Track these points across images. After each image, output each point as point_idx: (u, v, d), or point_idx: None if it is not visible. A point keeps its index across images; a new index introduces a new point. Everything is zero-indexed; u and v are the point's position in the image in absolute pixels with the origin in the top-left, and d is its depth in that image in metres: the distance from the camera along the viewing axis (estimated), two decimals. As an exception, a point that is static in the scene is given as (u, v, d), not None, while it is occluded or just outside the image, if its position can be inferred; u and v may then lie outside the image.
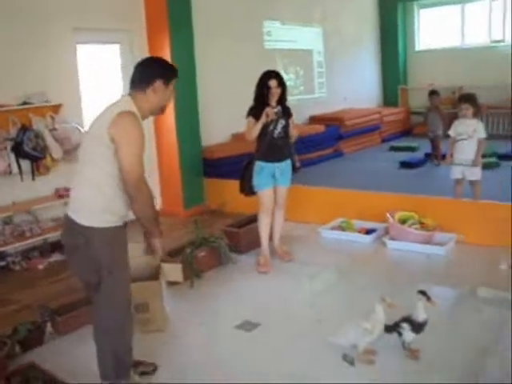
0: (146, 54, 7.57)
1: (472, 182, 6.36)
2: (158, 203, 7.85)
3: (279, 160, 5.33)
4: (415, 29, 14.04)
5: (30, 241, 6.07)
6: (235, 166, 7.73)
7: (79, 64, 6.96)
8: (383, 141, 12.32)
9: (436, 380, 3.42)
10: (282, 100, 5.28)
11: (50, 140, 6.15)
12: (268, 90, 5.18)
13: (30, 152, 6.01)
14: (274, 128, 5.23)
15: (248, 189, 5.41)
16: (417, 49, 14.04)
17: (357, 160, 10.51)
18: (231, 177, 7.60)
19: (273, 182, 5.38)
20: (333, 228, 6.41)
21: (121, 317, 3.21)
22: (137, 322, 4.11)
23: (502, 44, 12.73)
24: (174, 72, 3.28)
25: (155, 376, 3.61)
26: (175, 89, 7.66)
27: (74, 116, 6.65)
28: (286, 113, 5.34)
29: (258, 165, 5.31)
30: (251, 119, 5.25)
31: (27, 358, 3.81)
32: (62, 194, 6.31)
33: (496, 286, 4.72)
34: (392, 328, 3.66)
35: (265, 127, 5.19)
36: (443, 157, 8.71)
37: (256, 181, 5.35)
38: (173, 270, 4.34)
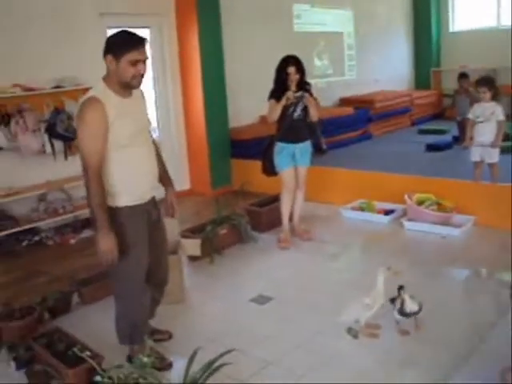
0: (174, 38, 7.82)
1: (490, 165, 6.45)
2: (185, 183, 8.11)
3: (298, 141, 5.55)
4: (449, 9, 13.86)
5: (62, 217, 6.42)
6: (261, 147, 7.95)
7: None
8: (413, 124, 12.32)
9: (430, 354, 3.58)
10: (301, 84, 5.45)
11: (81, 121, 6.42)
12: (287, 76, 5.37)
13: (63, 133, 6.34)
14: (294, 110, 5.44)
15: (270, 169, 5.68)
16: (451, 30, 13.89)
17: (385, 142, 10.57)
18: (257, 158, 7.81)
19: (293, 162, 5.61)
20: (353, 208, 6.58)
21: (130, 288, 3.42)
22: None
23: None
24: (126, 47, 3.10)
25: (170, 343, 3.85)
26: (204, 72, 7.79)
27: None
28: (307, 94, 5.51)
29: (279, 145, 5.55)
30: (272, 101, 5.47)
31: (54, 324, 4.08)
32: (93, 173, 6.59)
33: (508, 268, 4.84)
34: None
35: (285, 109, 5.41)
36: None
37: (277, 161, 5.60)
38: (191, 245, 4.62)
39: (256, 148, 7.92)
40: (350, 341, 3.78)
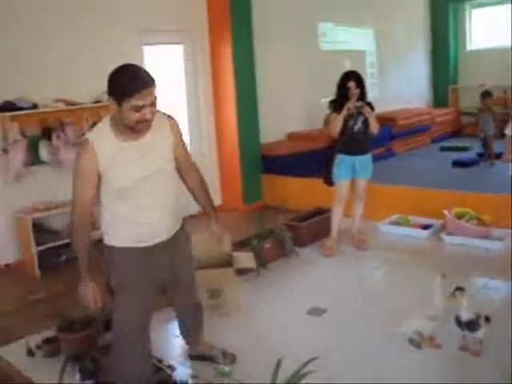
0: (207, 55, 7.90)
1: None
2: (216, 199, 8.14)
3: (358, 153, 5.65)
4: (466, 29, 13.99)
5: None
6: (293, 164, 8.03)
7: (145, 64, 7.30)
8: (433, 141, 12.37)
9: (485, 370, 3.58)
10: (361, 98, 5.56)
11: (120, 136, 6.46)
12: (347, 90, 5.47)
13: (102, 147, 6.37)
14: (355, 123, 5.55)
15: (330, 179, 5.77)
16: (468, 48, 14.02)
17: (409, 159, 10.60)
18: (288, 174, 7.89)
19: (351, 174, 5.70)
20: (390, 223, 6.61)
21: (120, 334, 3.17)
22: (210, 307, 4.42)
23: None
24: (128, 91, 2.76)
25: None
26: (237, 88, 7.84)
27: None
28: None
29: (339, 157, 5.67)
30: (334, 115, 5.61)
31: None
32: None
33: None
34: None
35: (346, 122, 5.52)
36: (496, 156, 8.81)
37: (335, 172, 5.71)
38: (245, 258, 4.65)
39: (286, 164, 8.05)
40: (412, 351, 3.79)
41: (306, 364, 2.92)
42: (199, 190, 3.44)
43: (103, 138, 2.89)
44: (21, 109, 5.89)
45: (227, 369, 2.93)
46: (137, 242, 3.05)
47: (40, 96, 6.11)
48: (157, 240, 3.10)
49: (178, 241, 3.26)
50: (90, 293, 3.02)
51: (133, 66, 2.88)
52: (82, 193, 2.93)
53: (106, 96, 6.67)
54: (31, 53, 6.12)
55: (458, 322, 3.70)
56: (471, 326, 3.67)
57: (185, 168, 3.32)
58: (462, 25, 13.99)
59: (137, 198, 2.98)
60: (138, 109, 2.76)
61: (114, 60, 6.42)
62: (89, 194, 2.94)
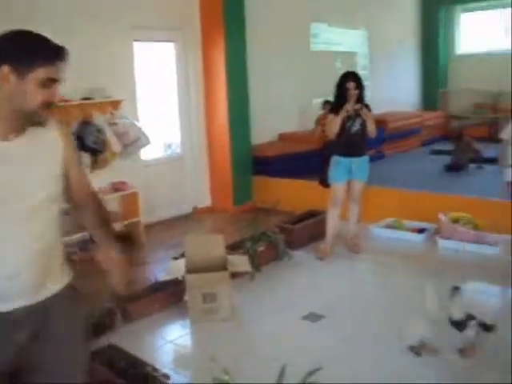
0: (199, 53, 7.76)
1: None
2: (206, 200, 8.00)
3: (355, 155, 5.55)
4: (456, 33, 13.97)
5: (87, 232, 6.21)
6: (284, 165, 7.92)
7: (135, 61, 7.15)
8: (423, 144, 12.31)
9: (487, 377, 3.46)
10: (360, 100, 5.47)
11: (110, 134, 6.30)
12: (346, 91, 5.37)
13: (91, 146, 6.17)
14: (352, 125, 5.47)
15: (326, 181, 5.72)
16: (457, 53, 13.99)
17: (400, 162, 10.50)
18: (279, 175, 7.77)
19: (347, 176, 5.58)
20: (384, 226, 6.51)
21: None
22: (204, 312, 4.28)
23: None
24: (40, 57, 1.87)
25: (231, 363, 3.67)
26: (229, 88, 7.81)
27: (130, 112, 6.84)
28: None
29: (335, 158, 5.58)
30: (332, 116, 5.54)
31: (100, 343, 3.87)
32: (118, 188, 6.51)
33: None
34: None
35: (344, 123, 5.43)
36: (486, 160, 8.82)
37: (331, 173, 5.64)
38: (240, 261, 4.52)
39: (277, 165, 7.93)
40: (412, 359, 3.68)
41: (309, 374, 2.79)
42: (100, 211, 2.31)
43: None
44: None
45: (226, 377, 2.79)
46: None
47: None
48: (16, 303, 1.94)
49: (55, 309, 2.07)
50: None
51: (35, 32, 1.95)
52: None
53: (96, 93, 6.45)
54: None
55: (451, 321, 3.66)
56: (459, 325, 3.63)
57: (80, 196, 2.20)
58: (451, 29, 13.96)
59: None
60: (48, 84, 1.89)
61: (104, 55, 6.20)
62: None
